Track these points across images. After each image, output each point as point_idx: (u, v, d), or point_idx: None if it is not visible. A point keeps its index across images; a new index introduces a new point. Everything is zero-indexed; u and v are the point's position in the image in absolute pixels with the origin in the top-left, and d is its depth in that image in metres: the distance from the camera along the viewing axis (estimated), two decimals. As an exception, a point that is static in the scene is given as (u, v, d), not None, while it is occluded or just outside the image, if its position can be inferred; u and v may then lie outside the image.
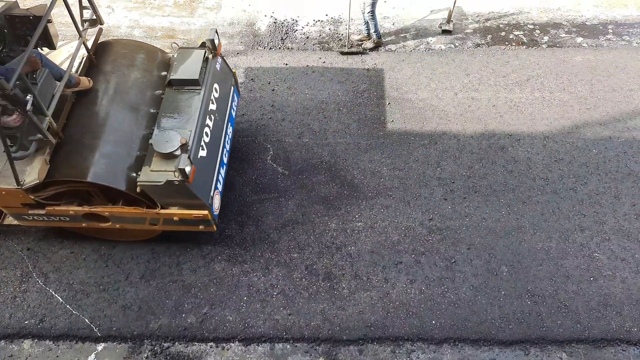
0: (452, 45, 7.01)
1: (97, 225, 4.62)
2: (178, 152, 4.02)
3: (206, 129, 4.51)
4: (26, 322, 4.71)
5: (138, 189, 4.11)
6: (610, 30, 7.13)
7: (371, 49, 6.91)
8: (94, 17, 4.52)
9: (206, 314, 4.73)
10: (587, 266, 4.91)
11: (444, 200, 5.40)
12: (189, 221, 4.48)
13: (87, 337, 4.63)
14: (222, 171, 4.86)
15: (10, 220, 4.72)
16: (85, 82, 4.42)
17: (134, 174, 4.15)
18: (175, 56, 4.81)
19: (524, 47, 6.94)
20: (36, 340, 4.64)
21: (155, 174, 4.03)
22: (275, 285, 4.87)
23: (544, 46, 6.94)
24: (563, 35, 7.09)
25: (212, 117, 4.66)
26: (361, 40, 6.92)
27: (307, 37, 7.16)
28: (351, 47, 6.89)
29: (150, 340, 4.61)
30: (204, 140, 4.45)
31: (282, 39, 7.12)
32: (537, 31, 7.15)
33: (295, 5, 7.57)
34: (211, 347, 4.58)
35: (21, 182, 3.90)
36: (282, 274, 4.93)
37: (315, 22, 7.36)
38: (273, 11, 7.50)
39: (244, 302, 4.78)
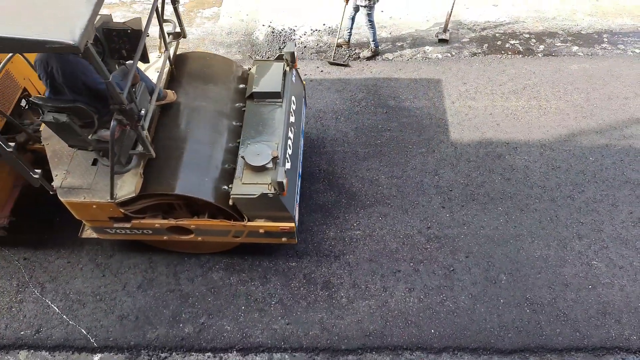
0: (449, 54, 7.05)
1: (178, 238, 4.59)
2: (270, 165, 4.04)
3: (289, 142, 4.50)
4: (22, 333, 4.68)
5: (231, 202, 4.07)
6: (606, 39, 7.19)
7: (369, 58, 6.95)
8: (177, 30, 4.51)
9: (204, 324, 4.70)
10: (586, 274, 4.91)
11: (442, 208, 5.40)
12: (274, 234, 4.46)
13: (83, 348, 4.60)
14: (299, 183, 4.84)
15: (88, 233, 4.65)
16: (171, 95, 4.40)
17: (223, 187, 4.13)
18: (253, 69, 4.80)
19: (520, 56, 7.00)
20: (32, 351, 4.60)
21: (247, 186, 4.03)
22: (274, 295, 4.85)
23: (539, 55, 7.00)
24: (559, 44, 7.15)
25: (293, 130, 4.64)
26: (340, 45, 7.01)
27: (305, 47, 7.20)
28: (337, 58, 6.93)
29: (148, 351, 4.58)
30: (287, 153, 4.43)
31: (279, 48, 7.15)
32: (533, 40, 7.21)
33: (293, 14, 7.63)
34: (209, 357, 4.55)
35: (114, 196, 3.89)
36: (280, 282, 4.91)
37: (312, 32, 7.40)
38: (271, 21, 7.55)
39: (241, 312, 4.76)
